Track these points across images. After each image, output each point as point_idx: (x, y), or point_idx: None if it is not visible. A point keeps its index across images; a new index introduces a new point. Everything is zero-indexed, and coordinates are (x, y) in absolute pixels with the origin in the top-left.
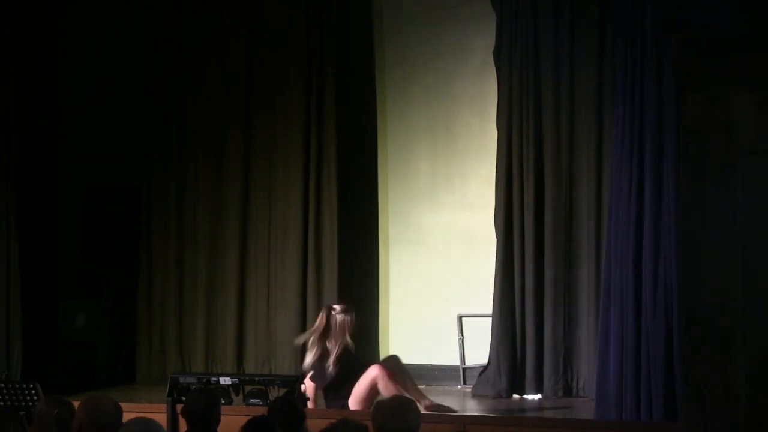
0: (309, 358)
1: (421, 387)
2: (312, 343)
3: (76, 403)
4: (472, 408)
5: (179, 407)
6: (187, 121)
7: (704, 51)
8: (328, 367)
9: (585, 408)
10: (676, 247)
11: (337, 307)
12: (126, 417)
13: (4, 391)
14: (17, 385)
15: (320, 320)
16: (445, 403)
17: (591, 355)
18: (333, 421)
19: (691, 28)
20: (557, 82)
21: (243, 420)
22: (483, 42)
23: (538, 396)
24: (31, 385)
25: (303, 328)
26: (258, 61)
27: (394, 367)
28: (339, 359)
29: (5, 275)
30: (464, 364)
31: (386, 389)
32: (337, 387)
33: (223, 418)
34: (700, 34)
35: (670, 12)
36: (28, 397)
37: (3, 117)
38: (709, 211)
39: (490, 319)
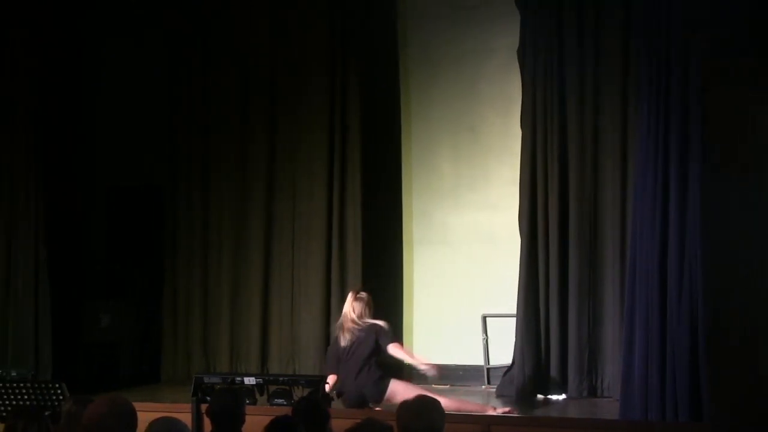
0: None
1: (446, 387)
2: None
3: None
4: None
5: (204, 407)
6: (211, 121)
7: (730, 50)
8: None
9: (609, 408)
10: (701, 246)
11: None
12: (151, 417)
13: (30, 391)
14: (43, 385)
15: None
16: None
17: (615, 354)
18: (358, 420)
19: (717, 27)
20: (581, 81)
21: (267, 420)
22: (506, 42)
23: (563, 396)
24: (57, 385)
25: (327, 328)
26: (282, 62)
27: None
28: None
29: (34, 279)
30: (488, 364)
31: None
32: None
33: (247, 418)
34: (725, 33)
35: (696, 11)
36: (54, 397)
37: (28, 119)
38: (734, 211)
39: (515, 319)
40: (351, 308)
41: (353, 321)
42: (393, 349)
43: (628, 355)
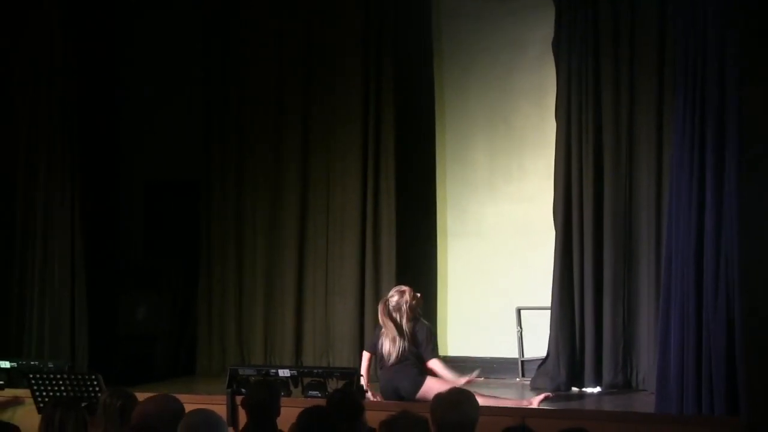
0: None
1: (480, 380)
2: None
3: (138, 395)
4: None
5: (239, 399)
6: (245, 114)
7: (766, 40)
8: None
9: (645, 401)
10: (738, 239)
11: (391, 299)
12: (186, 408)
13: (67, 382)
14: (80, 377)
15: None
16: (505, 396)
17: (651, 348)
18: (392, 413)
19: (755, 18)
20: (617, 73)
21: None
22: (541, 33)
23: (597, 389)
24: (93, 377)
25: (361, 320)
26: (316, 54)
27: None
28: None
29: (71, 271)
30: (523, 356)
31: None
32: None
33: (282, 410)
34: (763, 24)
35: (733, 2)
36: (90, 388)
37: (65, 115)
38: None
39: (549, 311)
40: (407, 304)
41: (406, 316)
42: (433, 363)
43: (663, 348)
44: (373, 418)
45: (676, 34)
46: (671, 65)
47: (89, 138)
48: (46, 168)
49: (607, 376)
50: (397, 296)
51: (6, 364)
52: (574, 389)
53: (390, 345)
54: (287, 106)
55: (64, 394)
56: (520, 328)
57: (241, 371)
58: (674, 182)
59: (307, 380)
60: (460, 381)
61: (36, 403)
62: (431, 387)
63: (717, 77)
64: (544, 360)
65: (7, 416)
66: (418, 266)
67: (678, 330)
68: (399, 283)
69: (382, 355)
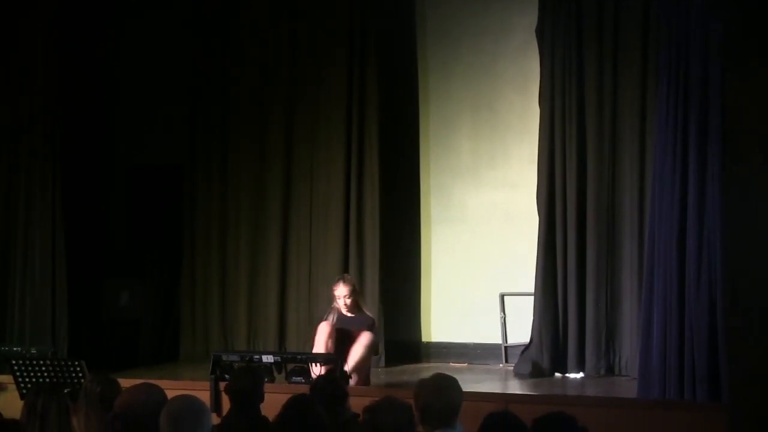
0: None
1: (464, 365)
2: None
3: (120, 381)
4: (514, 386)
5: (222, 385)
6: (231, 100)
7: (751, 34)
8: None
9: (627, 386)
10: (720, 226)
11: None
12: (170, 394)
13: (50, 368)
14: (63, 363)
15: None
16: (487, 383)
17: (633, 333)
18: (376, 399)
19: (738, 10)
20: (600, 60)
21: (286, 398)
22: (526, 20)
23: (580, 374)
24: (77, 363)
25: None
26: (300, 42)
27: None
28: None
29: (51, 255)
30: (506, 342)
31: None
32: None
33: (265, 396)
34: (746, 16)
35: None
36: (73, 374)
37: (47, 98)
38: (753, 189)
39: (532, 297)
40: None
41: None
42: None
43: (646, 333)
44: (356, 403)
45: (660, 24)
46: (655, 54)
47: (71, 123)
48: (27, 153)
49: (589, 361)
50: None
51: None
52: (557, 375)
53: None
54: (271, 94)
55: (47, 380)
56: (504, 314)
57: (224, 357)
58: (658, 168)
59: (290, 366)
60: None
61: (19, 389)
62: None
63: (700, 66)
64: (528, 346)
65: None
66: (402, 253)
67: (660, 316)
68: (382, 270)
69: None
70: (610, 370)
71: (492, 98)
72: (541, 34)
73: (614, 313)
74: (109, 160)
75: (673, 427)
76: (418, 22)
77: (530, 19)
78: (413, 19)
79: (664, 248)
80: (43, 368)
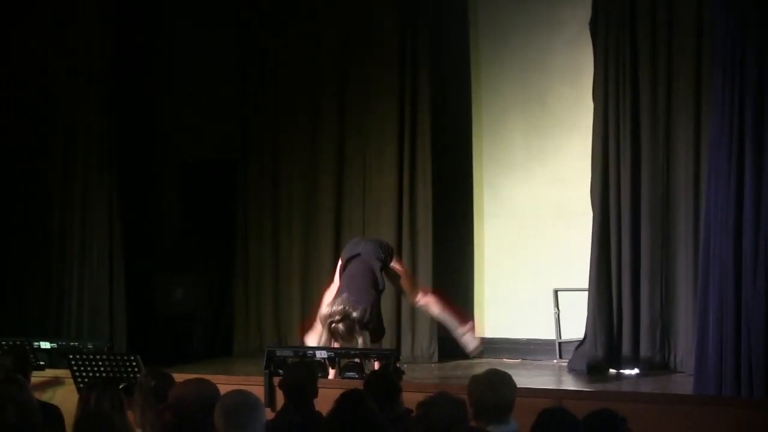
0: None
1: (517, 361)
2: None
3: (175, 376)
4: (568, 382)
5: (276, 380)
6: (282, 94)
7: None
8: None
9: (683, 383)
10: None
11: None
12: (223, 389)
13: (106, 363)
14: (118, 357)
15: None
16: (541, 378)
17: (689, 329)
18: (430, 394)
19: None
20: (654, 52)
21: (339, 393)
22: (578, 13)
23: (635, 370)
24: (132, 357)
25: (398, 301)
26: (352, 35)
27: None
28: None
29: (109, 252)
30: (560, 338)
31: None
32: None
33: (319, 391)
34: None
35: None
36: (129, 369)
37: (102, 95)
38: None
39: (587, 293)
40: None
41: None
42: None
43: (702, 329)
44: (410, 399)
45: (715, 14)
46: (709, 45)
47: (126, 119)
48: (83, 149)
49: (644, 357)
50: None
51: (47, 345)
52: (612, 371)
53: None
54: (323, 87)
55: (104, 374)
56: (558, 309)
57: (278, 352)
58: (713, 162)
59: (344, 361)
60: None
61: (76, 383)
62: None
63: (756, 56)
64: (582, 342)
65: (47, 396)
66: (455, 247)
67: (717, 311)
68: (435, 266)
69: None
70: (665, 366)
71: (543, 92)
72: (594, 26)
73: (669, 308)
74: (163, 156)
75: (730, 424)
76: (470, 15)
77: (583, 12)
78: (465, 11)
79: (720, 243)
80: (99, 363)
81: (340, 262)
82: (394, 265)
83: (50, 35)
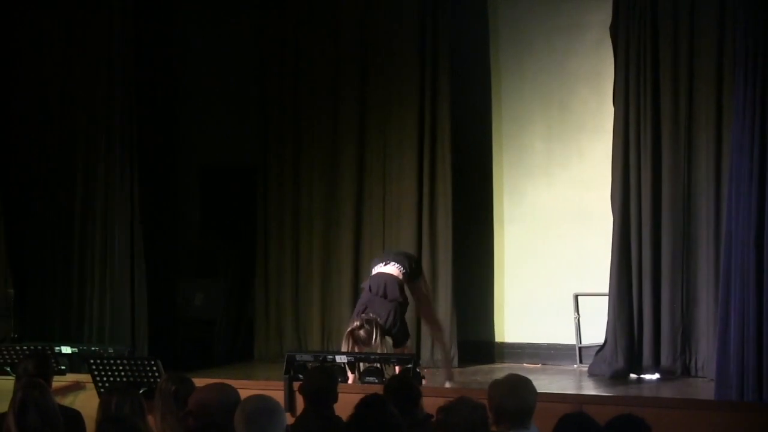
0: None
1: (537, 366)
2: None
3: (196, 381)
4: (589, 387)
5: (296, 385)
6: (302, 100)
7: None
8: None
9: (704, 388)
10: None
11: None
12: (244, 394)
13: (127, 368)
14: (139, 362)
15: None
16: (561, 383)
17: (710, 334)
18: (450, 399)
19: None
20: (675, 57)
21: (359, 398)
22: (599, 17)
23: (656, 376)
24: (153, 362)
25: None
26: (372, 40)
27: None
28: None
29: (131, 257)
30: (580, 343)
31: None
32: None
33: (339, 396)
34: None
35: None
36: (150, 374)
37: (123, 102)
38: None
39: (607, 297)
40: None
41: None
42: None
43: (723, 334)
44: (430, 404)
45: (737, 18)
46: (731, 48)
47: (147, 124)
48: (105, 153)
49: (665, 362)
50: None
51: (68, 350)
52: (633, 376)
53: None
54: (343, 92)
55: (124, 379)
56: (578, 314)
57: (298, 357)
58: (734, 167)
59: (364, 366)
60: None
61: (97, 388)
62: None
63: None
64: (602, 346)
65: (68, 401)
66: (475, 252)
67: (738, 316)
68: (455, 269)
69: None
70: (686, 371)
71: (565, 96)
72: (615, 31)
73: (690, 313)
74: (183, 161)
75: (751, 429)
76: (491, 19)
77: (604, 16)
78: (486, 15)
79: (741, 247)
80: (120, 368)
81: (372, 271)
82: (420, 284)
83: (70, 37)
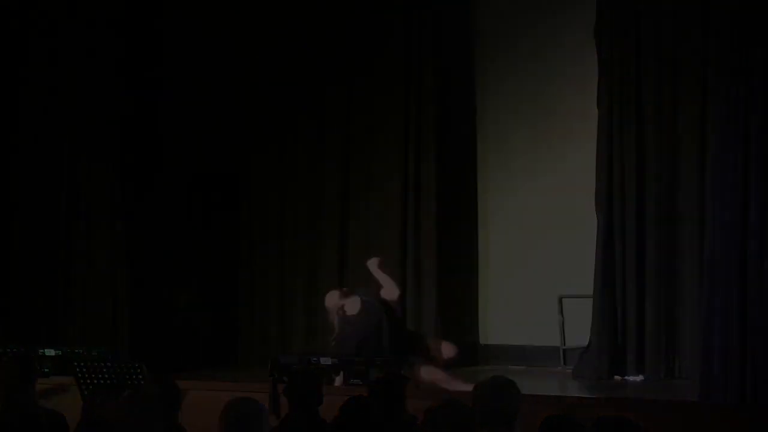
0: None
1: (522, 368)
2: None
3: (181, 383)
4: (573, 389)
5: (281, 387)
6: (286, 107)
7: None
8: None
9: (687, 389)
10: None
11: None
12: (228, 396)
13: (111, 370)
14: (123, 365)
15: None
16: (546, 385)
17: (694, 336)
18: (435, 401)
19: None
20: (659, 60)
21: (343, 400)
22: (583, 20)
23: (640, 377)
24: (137, 365)
25: (402, 308)
26: (356, 48)
27: None
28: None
29: (114, 260)
30: (565, 345)
31: None
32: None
33: (323, 398)
34: None
35: None
36: (134, 376)
37: (108, 107)
38: None
39: (591, 300)
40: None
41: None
42: None
43: (707, 336)
44: (416, 406)
45: (721, 21)
46: (715, 51)
47: (131, 129)
48: (89, 156)
49: (649, 364)
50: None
51: (51, 352)
52: (617, 377)
53: None
54: (328, 102)
55: (108, 381)
56: (562, 316)
57: (282, 359)
58: (718, 168)
59: (348, 368)
60: None
61: (81, 390)
62: None
63: (763, 67)
64: (586, 348)
65: (52, 403)
66: (460, 255)
67: (722, 317)
68: (439, 273)
69: None
70: (670, 373)
71: (549, 99)
72: (598, 34)
73: (674, 315)
74: (168, 165)
75: (735, 430)
76: (476, 23)
77: (589, 18)
78: (468, 20)
79: (725, 248)
80: (104, 370)
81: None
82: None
83: (59, 48)
